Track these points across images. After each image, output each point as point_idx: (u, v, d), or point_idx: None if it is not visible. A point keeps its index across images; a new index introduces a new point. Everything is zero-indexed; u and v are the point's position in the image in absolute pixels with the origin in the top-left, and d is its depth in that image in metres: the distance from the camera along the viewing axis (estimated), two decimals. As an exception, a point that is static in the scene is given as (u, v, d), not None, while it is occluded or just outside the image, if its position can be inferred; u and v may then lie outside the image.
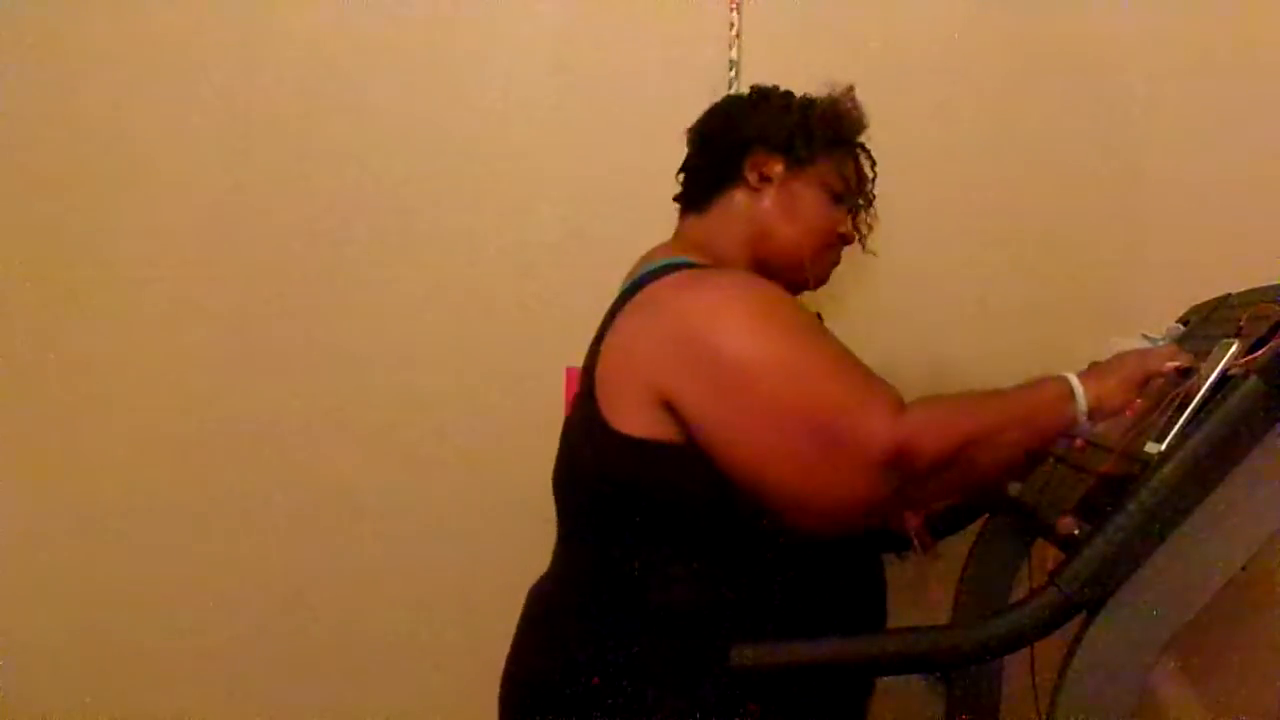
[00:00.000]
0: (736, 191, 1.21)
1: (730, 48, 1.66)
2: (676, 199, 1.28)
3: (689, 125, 1.29)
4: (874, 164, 1.30)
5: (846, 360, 1.03)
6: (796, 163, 1.21)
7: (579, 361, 1.13)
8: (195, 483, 1.73)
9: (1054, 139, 1.70)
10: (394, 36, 1.70)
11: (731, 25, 1.67)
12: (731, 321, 1.02)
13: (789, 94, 1.27)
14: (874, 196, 1.30)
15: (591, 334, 1.14)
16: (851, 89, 1.27)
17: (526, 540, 1.23)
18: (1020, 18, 1.69)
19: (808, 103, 1.25)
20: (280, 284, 1.72)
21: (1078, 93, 1.70)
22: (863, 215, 1.29)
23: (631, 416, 1.03)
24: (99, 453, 1.73)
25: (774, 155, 1.21)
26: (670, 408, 1.01)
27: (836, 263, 1.29)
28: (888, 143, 1.68)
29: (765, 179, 1.21)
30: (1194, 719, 1.69)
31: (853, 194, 1.27)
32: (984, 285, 1.71)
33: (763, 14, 1.67)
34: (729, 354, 1.00)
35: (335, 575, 1.74)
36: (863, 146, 1.29)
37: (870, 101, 1.66)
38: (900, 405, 1.00)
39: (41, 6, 1.69)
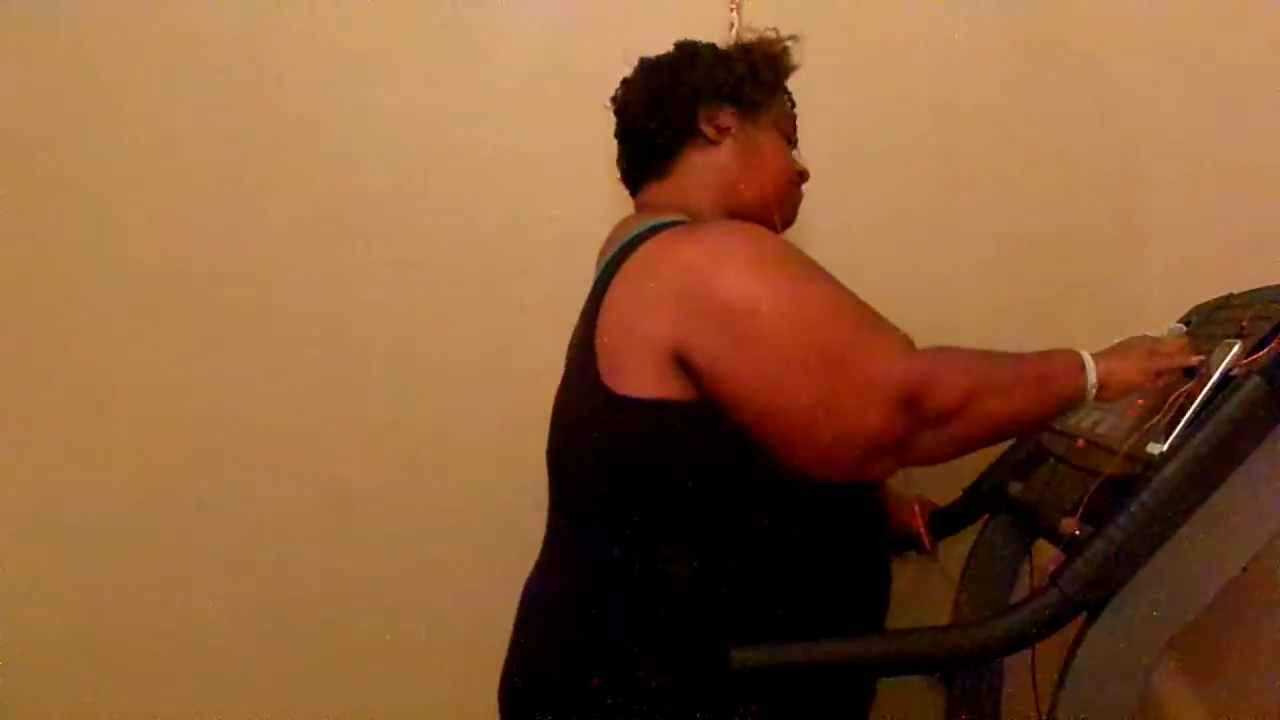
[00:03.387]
0: (694, 148, 1.21)
1: (730, 48, 1.66)
2: (626, 172, 1.28)
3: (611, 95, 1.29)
4: (794, 104, 1.32)
5: (854, 299, 1.03)
6: (749, 109, 1.22)
7: (579, 361, 1.13)
8: (195, 482, 1.72)
9: (1054, 139, 1.70)
10: (394, 36, 1.70)
11: (731, 25, 1.67)
12: (736, 266, 1.01)
13: (714, 45, 1.28)
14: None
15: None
16: (775, 31, 1.28)
17: (526, 540, 1.23)
18: (1020, 17, 1.69)
19: (745, 49, 1.25)
20: (280, 284, 1.72)
21: (1078, 92, 1.70)
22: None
23: (640, 378, 1.01)
24: (99, 452, 1.72)
25: (725, 105, 1.21)
26: (682, 362, 1.00)
27: (799, 201, 1.30)
28: (888, 142, 1.69)
29: (722, 130, 1.21)
30: (1194, 719, 1.69)
31: (793, 132, 1.30)
32: (984, 285, 1.71)
33: (763, 14, 1.66)
34: (737, 297, 0.99)
35: (335, 575, 1.74)
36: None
37: (870, 101, 1.68)
38: (911, 344, 1.00)
39: (41, 6, 1.69)
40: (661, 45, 1.32)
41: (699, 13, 1.67)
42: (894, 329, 1.01)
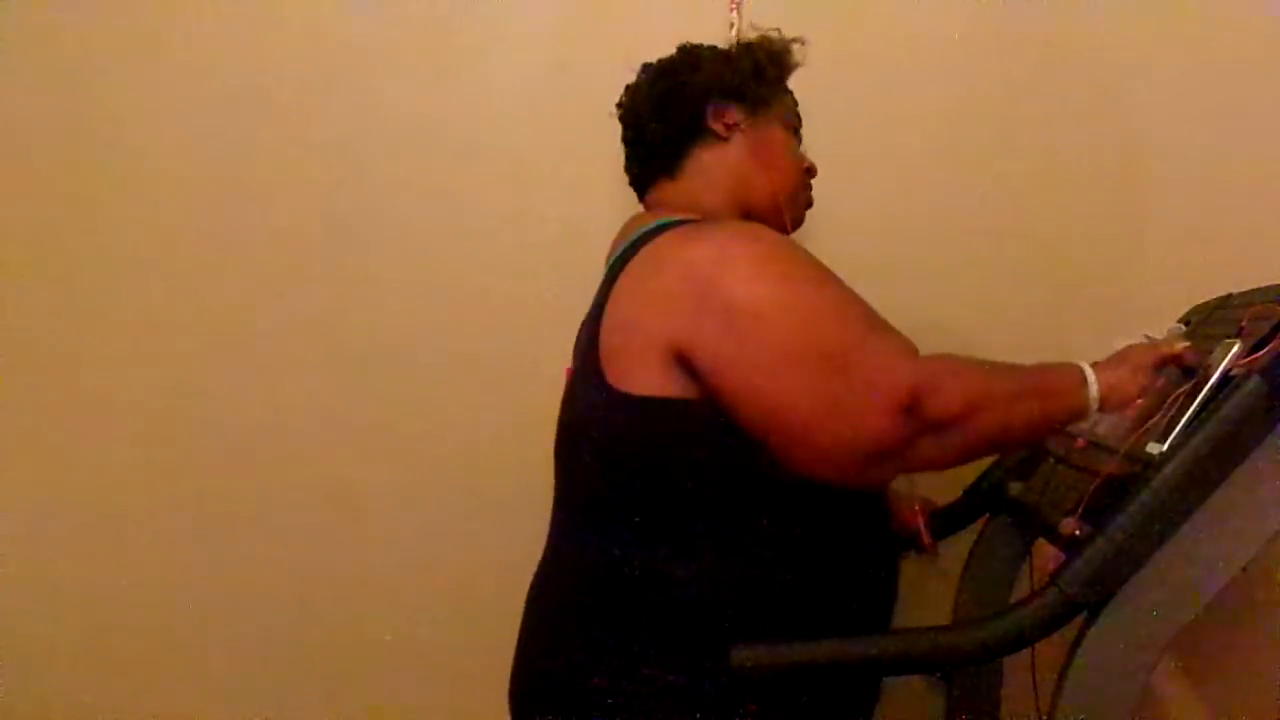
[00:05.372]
0: (704, 146, 1.22)
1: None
2: (634, 175, 1.28)
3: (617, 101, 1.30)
4: (795, 102, 1.33)
5: (859, 302, 1.04)
6: (756, 105, 1.23)
7: (578, 362, 1.13)
8: (195, 482, 1.73)
9: (1054, 139, 1.70)
10: (394, 35, 1.70)
11: (731, 25, 1.67)
12: (742, 267, 1.01)
13: (716, 46, 1.29)
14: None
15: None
16: (778, 31, 1.29)
17: (526, 540, 1.23)
18: (1021, 18, 1.69)
19: (748, 47, 1.26)
20: (279, 284, 1.72)
21: (1078, 93, 1.70)
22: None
23: (643, 376, 1.01)
24: (99, 452, 1.73)
25: (733, 103, 1.22)
26: (685, 361, 0.99)
27: (809, 200, 1.30)
28: (888, 143, 1.69)
29: (731, 127, 1.21)
30: (1194, 719, 1.69)
31: (799, 126, 1.30)
32: (984, 285, 1.71)
33: (763, 14, 1.66)
34: (741, 297, 0.99)
35: (335, 575, 1.74)
36: None
37: (871, 101, 1.67)
38: (915, 350, 1.00)
39: (41, 6, 1.69)
40: (662, 45, 1.32)
41: (699, 12, 1.67)
42: (898, 334, 1.01)
